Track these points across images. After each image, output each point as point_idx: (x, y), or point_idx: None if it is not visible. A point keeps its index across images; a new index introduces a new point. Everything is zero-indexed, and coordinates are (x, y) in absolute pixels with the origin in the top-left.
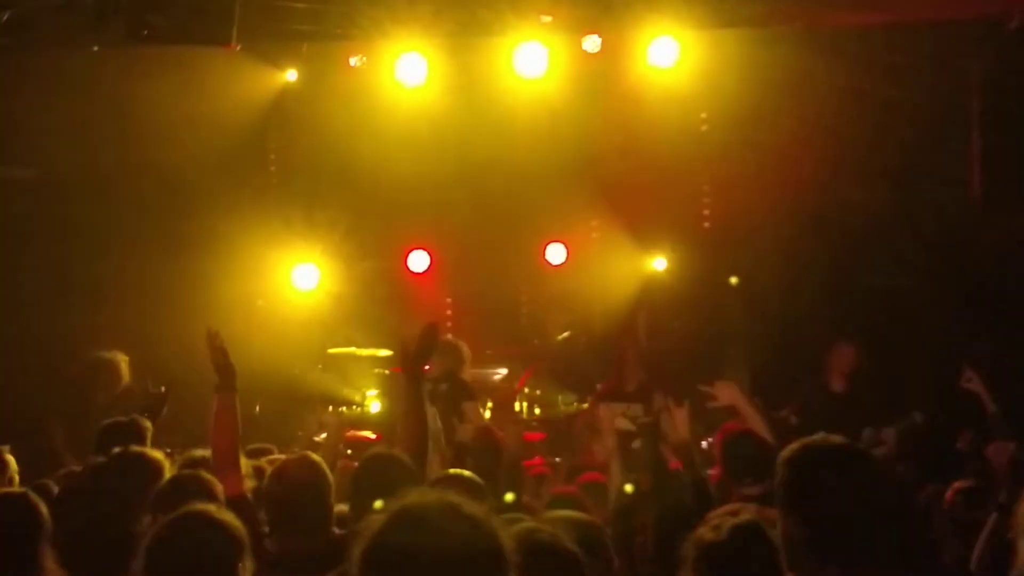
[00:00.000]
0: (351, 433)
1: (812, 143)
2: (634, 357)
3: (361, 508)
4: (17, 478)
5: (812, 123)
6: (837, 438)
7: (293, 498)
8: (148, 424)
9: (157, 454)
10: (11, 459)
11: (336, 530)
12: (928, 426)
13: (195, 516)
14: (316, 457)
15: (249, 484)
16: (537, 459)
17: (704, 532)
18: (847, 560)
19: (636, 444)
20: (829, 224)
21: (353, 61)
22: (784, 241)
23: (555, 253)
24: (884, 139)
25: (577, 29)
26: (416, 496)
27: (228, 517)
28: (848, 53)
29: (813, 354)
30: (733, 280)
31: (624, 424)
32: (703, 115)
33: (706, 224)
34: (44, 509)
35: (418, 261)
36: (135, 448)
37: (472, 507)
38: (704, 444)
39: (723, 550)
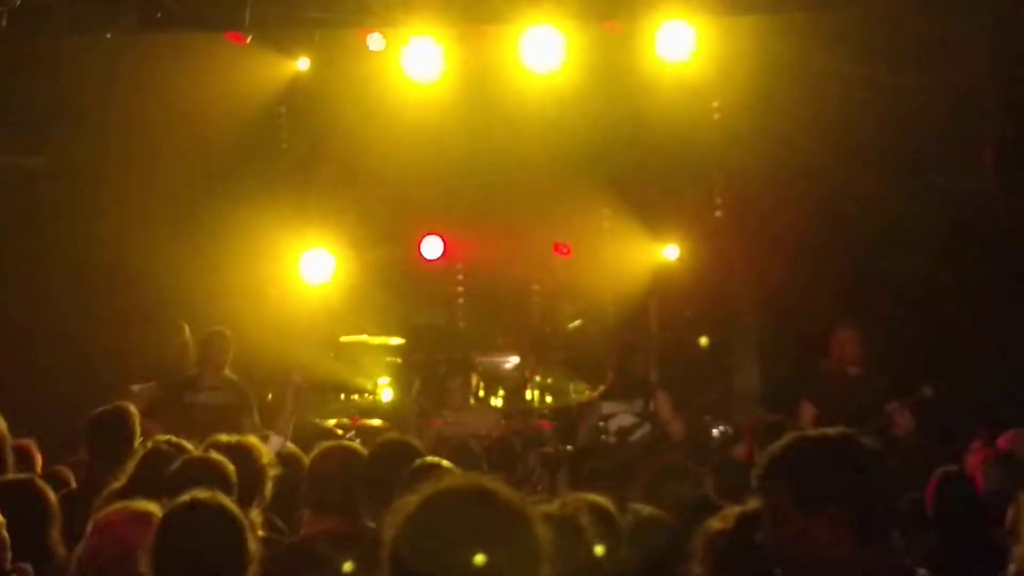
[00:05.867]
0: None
1: (824, 131)
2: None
3: (372, 494)
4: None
5: (824, 111)
6: (825, 431)
7: (329, 480)
8: (135, 411)
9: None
10: (37, 453)
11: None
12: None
13: (202, 503)
14: (357, 446)
15: (272, 472)
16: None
17: (712, 522)
18: (881, 543)
19: (635, 437)
20: (841, 212)
21: (373, 43)
22: (796, 229)
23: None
24: (897, 127)
25: (590, 17)
26: (450, 481)
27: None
28: (860, 41)
29: (823, 342)
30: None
31: (629, 420)
32: (715, 104)
33: (718, 213)
34: (52, 496)
35: (430, 249)
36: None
37: (507, 493)
38: (716, 432)
39: (730, 538)
